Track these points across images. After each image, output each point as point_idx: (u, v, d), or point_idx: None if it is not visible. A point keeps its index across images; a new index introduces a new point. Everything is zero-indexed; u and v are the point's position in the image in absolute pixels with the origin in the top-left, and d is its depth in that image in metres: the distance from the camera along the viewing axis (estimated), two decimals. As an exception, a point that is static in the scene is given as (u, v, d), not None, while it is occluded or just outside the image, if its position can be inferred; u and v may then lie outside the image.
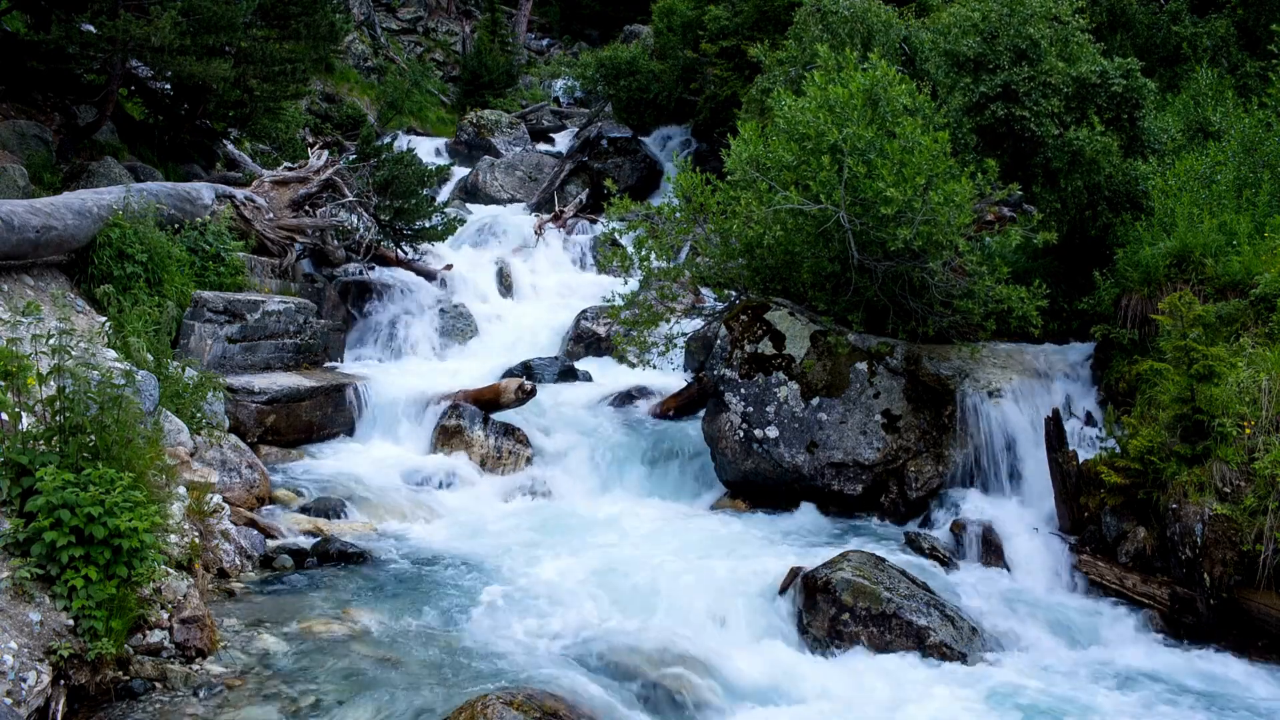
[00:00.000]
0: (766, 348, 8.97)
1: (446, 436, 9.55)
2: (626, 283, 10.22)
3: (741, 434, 8.69)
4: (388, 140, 16.26)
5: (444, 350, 12.83)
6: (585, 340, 12.83)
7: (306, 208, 12.69)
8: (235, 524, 6.96)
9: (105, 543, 4.88)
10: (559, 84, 28.87)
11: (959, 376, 8.66)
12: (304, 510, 7.94)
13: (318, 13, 15.39)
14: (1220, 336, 7.23)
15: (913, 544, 7.69)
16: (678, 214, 9.35)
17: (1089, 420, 8.35)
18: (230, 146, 15.81)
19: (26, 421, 5.31)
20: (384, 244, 13.48)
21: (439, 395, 9.98)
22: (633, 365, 9.55)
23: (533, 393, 9.91)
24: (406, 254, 13.81)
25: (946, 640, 6.24)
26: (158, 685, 5.04)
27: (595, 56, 19.81)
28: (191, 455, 7.14)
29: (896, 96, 8.10)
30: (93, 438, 5.29)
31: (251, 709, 4.95)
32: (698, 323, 10.33)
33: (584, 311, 13.19)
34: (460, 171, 20.14)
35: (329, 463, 9.20)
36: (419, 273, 13.74)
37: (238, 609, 6.10)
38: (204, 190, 11.57)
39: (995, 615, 6.73)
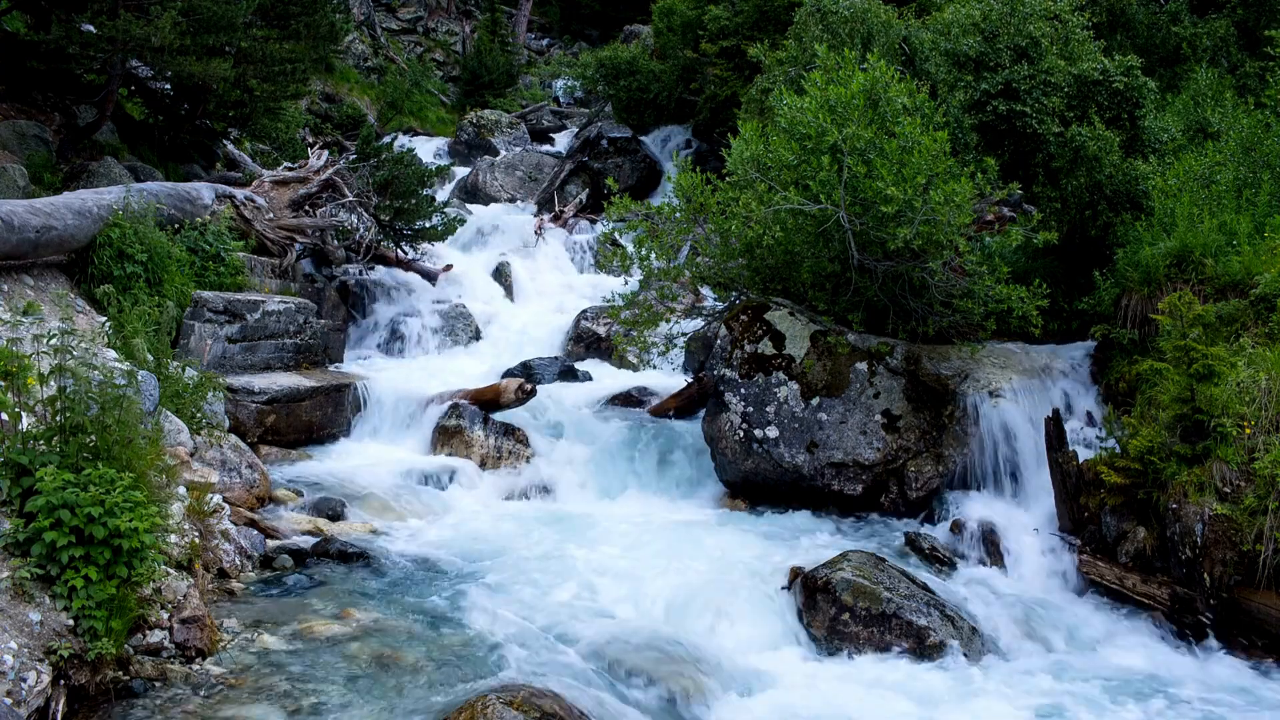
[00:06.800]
0: (766, 348, 8.97)
1: (446, 436, 9.55)
2: (626, 283, 10.22)
3: (741, 434, 8.69)
4: (388, 140, 16.24)
5: (444, 350, 12.84)
6: (585, 340, 12.84)
7: (306, 208, 12.69)
8: (235, 524, 6.96)
9: (105, 543, 4.88)
10: (559, 84, 28.92)
11: (959, 376, 8.66)
12: (304, 510, 7.94)
13: (318, 13, 15.40)
14: (1220, 336, 7.22)
15: (913, 544, 7.69)
16: (678, 214, 9.34)
17: (1089, 420, 8.35)
18: (230, 146, 15.81)
19: (26, 421, 5.31)
20: (384, 244, 13.49)
21: (439, 395, 9.98)
22: (633, 365, 9.56)
23: (533, 393, 9.91)
24: (406, 254, 13.81)
25: (946, 640, 6.24)
26: (158, 685, 5.04)
27: (595, 56, 19.82)
28: (191, 455, 7.14)
29: (896, 96, 8.10)
30: (93, 438, 5.29)
31: (251, 709, 4.95)
32: (698, 323, 10.33)
33: (584, 311, 13.19)
34: (460, 171, 20.15)
35: (329, 463, 9.20)
36: (419, 273, 13.75)
37: (238, 609, 6.09)
38: (204, 190, 11.57)
39: (995, 615, 6.73)
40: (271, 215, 12.24)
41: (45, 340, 5.27)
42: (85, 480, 4.98)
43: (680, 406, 10.22)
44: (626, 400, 10.57)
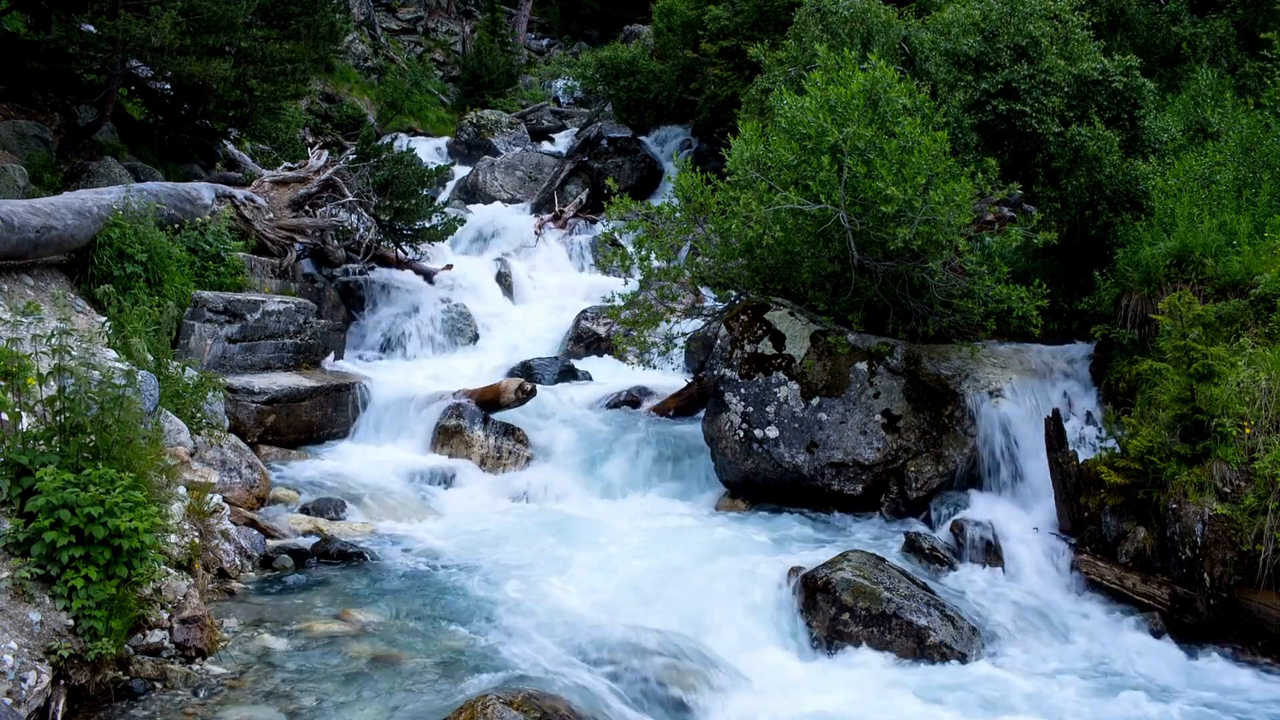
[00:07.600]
0: (766, 348, 8.97)
1: (446, 436, 9.55)
2: (626, 283, 10.22)
3: (741, 434, 8.69)
4: (388, 140, 16.25)
5: (444, 350, 12.84)
6: (585, 340, 12.84)
7: (306, 208, 12.69)
8: (235, 524, 6.96)
9: (105, 543, 4.88)
10: (559, 84, 28.90)
11: (959, 376, 8.66)
12: (304, 510, 7.95)
13: (318, 13, 15.40)
14: (1220, 336, 7.22)
15: (913, 544, 7.69)
16: (678, 214, 9.34)
17: (1089, 420, 8.35)
18: (230, 146, 15.82)
19: (26, 421, 5.31)
20: (384, 244, 13.49)
21: (439, 395, 9.98)
22: (633, 365, 9.55)
23: (533, 393, 9.91)
24: (406, 254, 13.81)
25: (946, 640, 6.24)
26: (158, 685, 5.04)
27: (595, 56, 19.81)
28: (191, 455, 7.13)
29: (896, 96, 8.10)
30: (93, 438, 5.29)
31: (251, 709, 4.95)
32: (698, 323, 10.33)
33: (584, 311, 13.19)
34: (460, 171, 20.15)
35: (329, 463, 9.20)
36: (419, 273, 13.75)
37: (238, 609, 6.10)
38: (204, 190, 11.57)
39: (995, 615, 6.73)
40: (271, 215, 12.24)
41: (45, 340, 5.27)
42: (85, 480, 4.99)
43: (680, 406, 10.22)
44: (627, 400, 10.57)
